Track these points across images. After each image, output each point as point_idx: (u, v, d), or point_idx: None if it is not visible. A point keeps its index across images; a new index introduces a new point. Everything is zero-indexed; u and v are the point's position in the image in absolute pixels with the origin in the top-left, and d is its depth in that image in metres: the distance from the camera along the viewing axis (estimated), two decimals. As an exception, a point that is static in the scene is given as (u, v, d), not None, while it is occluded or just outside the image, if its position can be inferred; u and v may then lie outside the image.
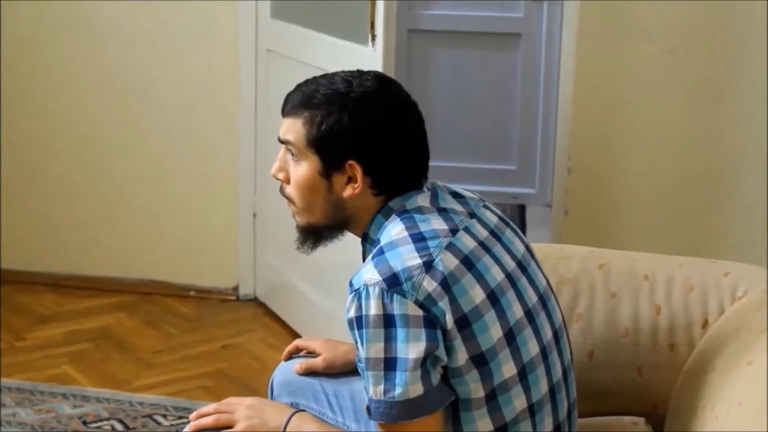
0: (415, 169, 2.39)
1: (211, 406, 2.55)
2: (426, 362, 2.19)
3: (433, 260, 2.22)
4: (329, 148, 2.35)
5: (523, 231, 4.51)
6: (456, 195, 2.44)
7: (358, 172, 2.34)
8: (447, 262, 2.23)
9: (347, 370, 2.72)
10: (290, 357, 2.85)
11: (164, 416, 4.06)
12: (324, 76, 2.40)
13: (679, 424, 2.54)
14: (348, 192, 2.37)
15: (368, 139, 2.33)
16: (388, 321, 2.19)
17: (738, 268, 2.84)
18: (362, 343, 2.22)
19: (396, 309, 2.18)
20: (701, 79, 4.50)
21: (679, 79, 4.53)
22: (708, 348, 2.61)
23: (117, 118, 5.10)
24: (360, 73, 2.41)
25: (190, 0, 4.94)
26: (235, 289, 5.15)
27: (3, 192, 5.23)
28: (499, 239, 2.38)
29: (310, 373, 2.76)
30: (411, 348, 2.18)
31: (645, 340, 2.79)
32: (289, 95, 2.41)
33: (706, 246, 4.51)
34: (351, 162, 2.33)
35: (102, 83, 5.10)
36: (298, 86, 2.41)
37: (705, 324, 2.75)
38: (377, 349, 2.20)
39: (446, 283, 2.20)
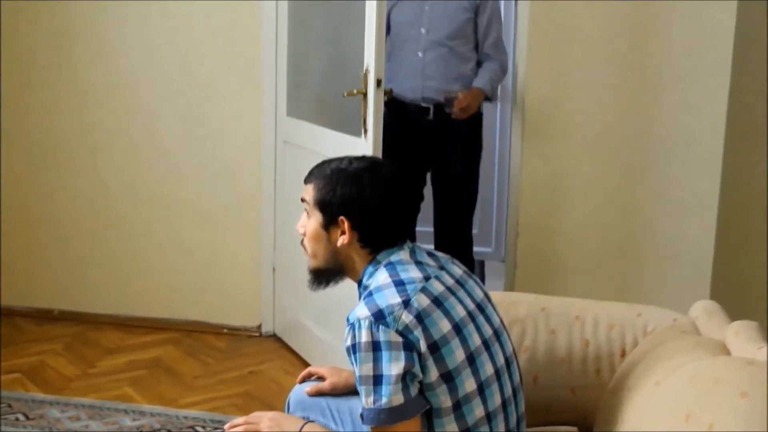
0: (397, 230, 2.45)
1: (240, 419, 2.57)
2: (406, 378, 2.22)
3: (410, 299, 2.26)
4: (327, 208, 2.44)
5: (483, 281, 4.50)
6: (430, 254, 2.49)
7: (347, 226, 2.42)
8: (420, 301, 2.27)
9: (348, 391, 2.73)
10: (303, 380, 2.87)
11: (203, 427, 4.04)
12: (337, 158, 2.51)
13: None
14: (341, 242, 2.44)
15: (354, 203, 2.41)
16: (375, 346, 2.23)
17: (648, 310, 2.86)
18: (356, 364, 2.26)
19: (381, 336, 2.22)
20: (630, 158, 4.54)
21: (609, 159, 4.57)
22: (625, 372, 2.62)
23: (162, 193, 5.13)
24: (361, 157, 2.51)
25: (221, 99, 4.98)
26: (259, 327, 5.13)
27: (79, 247, 5.25)
28: (462, 286, 2.42)
29: (318, 393, 2.78)
30: (393, 366, 2.21)
31: (577, 367, 2.80)
32: (311, 169, 2.52)
33: (626, 291, 4.53)
34: (342, 218, 2.42)
35: (146, 161, 5.12)
36: (317, 164, 2.52)
37: (623, 353, 2.76)
38: (367, 368, 2.23)
39: (420, 317, 2.24)
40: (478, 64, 4.79)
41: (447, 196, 4.89)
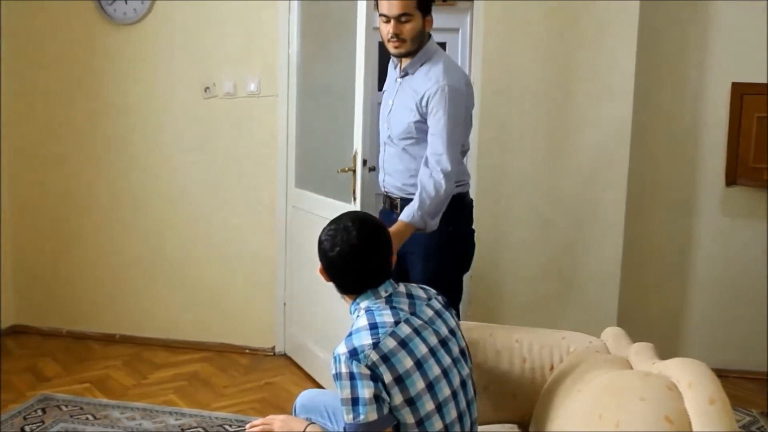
0: (364, 281, 2.39)
1: (258, 420, 2.55)
2: (378, 400, 2.21)
3: (379, 342, 2.25)
4: (318, 255, 2.42)
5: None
6: (410, 296, 2.44)
7: (324, 275, 2.43)
8: (388, 343, 2.25)
9: None
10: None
11: (230, 426, 4.00)
12: (337, 218, 2.44)
13: (537, 429, 2.53)
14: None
15: (324, 258, 2.39)
16: (351, 376, 2.21)
17: (570, 334, 2.85)
18: (339, 389, 2.25)
19: (355, 369, 2.21)
20: (555, 210, 4.55)
21: (540, 218, 4.57)
22: (554, 382, 2.62)
23: (201, 248, 5.11)
24: (348, 216, 2.43)
25: (246, 173, 4.98)
26: (273, 348, 5.09)
27: (136, 286, 5.22)
28: (430, 325, 2.38)
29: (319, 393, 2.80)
30: (366, 391, 2.20)
31: (517, 378, 2.79)
32: None
33: (552, 322, 4.52)
34: (320, 268, 2.42)
35: (169, 222, 5.11)
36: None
37: (552, 368, 2.75)
38: (347, 393, 2.22)
39: (386, 357, 2.23)
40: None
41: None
